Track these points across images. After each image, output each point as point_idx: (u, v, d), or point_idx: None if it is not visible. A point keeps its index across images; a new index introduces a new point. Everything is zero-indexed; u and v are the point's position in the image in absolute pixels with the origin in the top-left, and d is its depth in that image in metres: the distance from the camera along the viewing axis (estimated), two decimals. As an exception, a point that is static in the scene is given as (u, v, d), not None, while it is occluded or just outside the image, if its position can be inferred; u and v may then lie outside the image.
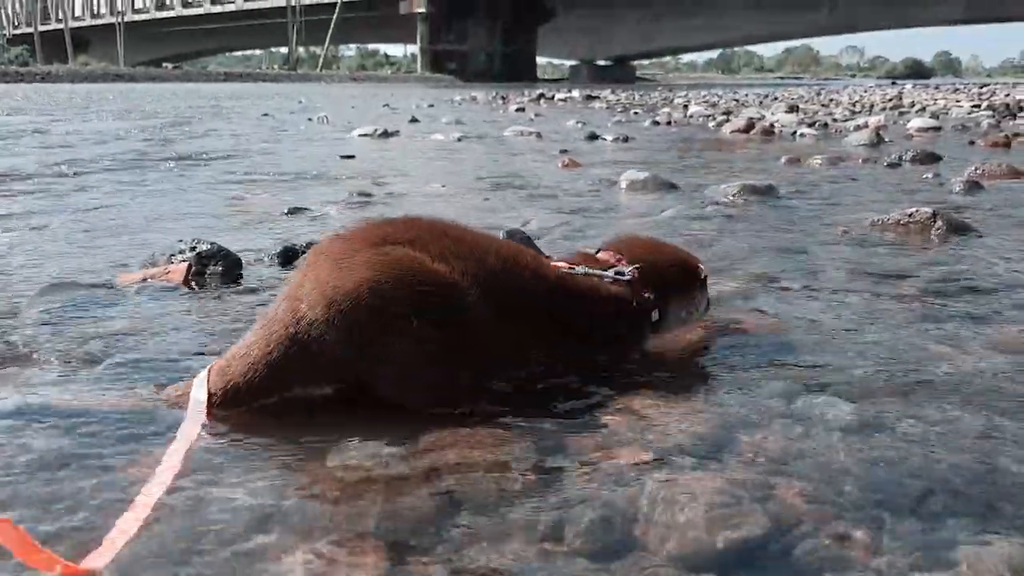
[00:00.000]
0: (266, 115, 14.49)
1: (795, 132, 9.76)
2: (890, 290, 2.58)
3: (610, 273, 1.90)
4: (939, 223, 3.36)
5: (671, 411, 1.63)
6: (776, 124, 10.68)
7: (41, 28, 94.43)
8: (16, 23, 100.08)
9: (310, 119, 12.97)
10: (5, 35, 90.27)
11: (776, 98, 21.12)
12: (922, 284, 2.64)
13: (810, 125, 10.63)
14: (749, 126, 10.15)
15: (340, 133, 10.10)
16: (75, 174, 5.65)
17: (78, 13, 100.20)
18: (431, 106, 18.63)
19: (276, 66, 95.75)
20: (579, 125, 11.55)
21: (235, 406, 1.57)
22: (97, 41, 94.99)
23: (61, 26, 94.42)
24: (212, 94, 28.05)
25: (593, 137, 9.23)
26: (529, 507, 1.28)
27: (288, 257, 2.93)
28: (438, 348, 1.57)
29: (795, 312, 2.32)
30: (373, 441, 1.47)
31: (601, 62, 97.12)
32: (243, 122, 12.48)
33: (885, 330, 2.16)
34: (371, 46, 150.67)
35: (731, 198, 4.46)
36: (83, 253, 3.15)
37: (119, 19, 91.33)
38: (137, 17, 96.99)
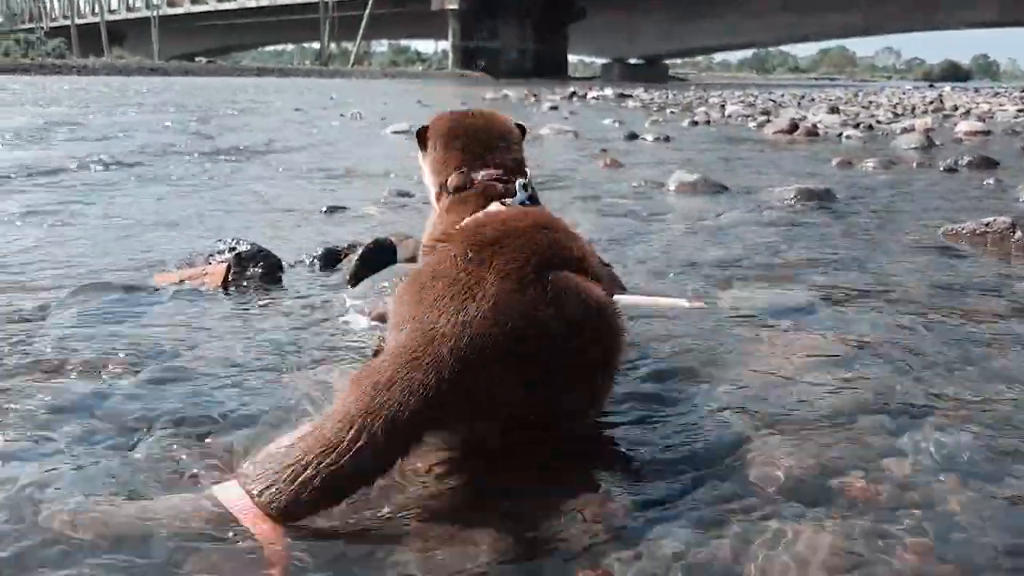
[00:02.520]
0: (299, 110, 14.42)
1: (840, 134, 9.50)
2: (975, 305, 2.39)
3: (520, 195, 1.75)
4: (1019, 234, 3.15)
5: (764, 444, 1.47)
6: (819, 125, 10.41)
7: (78, 21, 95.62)
8: (53, 16, 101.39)
9: (342, 115, 12.87)
10: (43, 28, 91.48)
11: (813, 99, 20.74)
12: (1008, 299, 2.45)
13: (855, 127, 10.35)
14: (792, 127, 9.89)
15: (374, 129, 9.98)
16: (109, 167, 5.57)
17: (114, 6, 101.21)
18: (464, 103, 18.49)
19: (308, 62, 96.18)
20: (616, 124, 11.35)
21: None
22: (133, 35, 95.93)
23: (97, 19, 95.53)
24: (245, 88, 28.12)
25: (632, 136, 9.03)
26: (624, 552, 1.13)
27: (330, 260, 2.79)
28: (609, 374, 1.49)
29: (874, 329, 2.14)
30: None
31: (632, 61, 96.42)
32: (276, 117, 12.42)
33: (976, 350, 1.98)
34: (403, 42, 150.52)
35: (788, 202, 4.26)
36: (117, 250, 3.03)
37: (154, 13, 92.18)
38: (172, 11, 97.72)
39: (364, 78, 57.43)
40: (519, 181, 1.79)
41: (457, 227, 1.60)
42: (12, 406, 1.58)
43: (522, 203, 1.73)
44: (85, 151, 6.50)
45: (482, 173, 1.81)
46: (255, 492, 1.18)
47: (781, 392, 1.72)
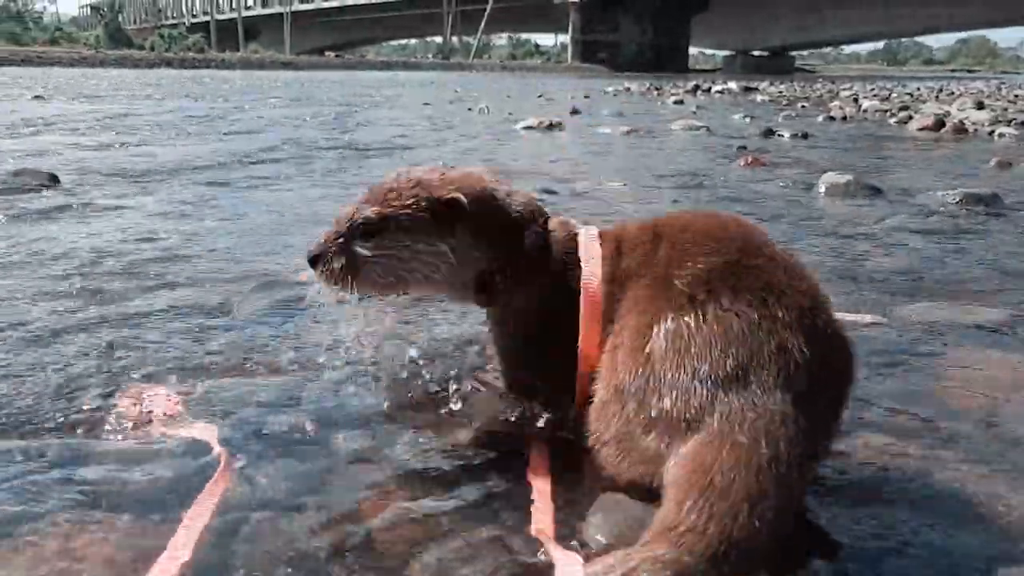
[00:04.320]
0: (427, 104, 14.68)
1: (992, 131, 8.97)
2: None
3: None
4: None
5: (983, 483, 1.39)
6: (967, 122, 9.86)
7: (217, 17, 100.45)
8: (194, 12, 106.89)
9: (470, 109, 13.02)
10: (185, 23, 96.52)
11: (952, 92, 19.68)
12: None
13: (1007, 124, 9.75)
14: (938, 124, 9.42)
15: (504, 124, 10.05)
16: (260, 162, 5.80)
17: (250, 3, 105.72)
18: (587, 97, 18.41)
19: (430, 55, 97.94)
20: (747, 119, 11.08)
21: None
22: (266, 30, 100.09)
23: (235, 15, 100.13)
24: (372, 82, 28.85)
25: (769, 133, 8.78)
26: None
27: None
28: None
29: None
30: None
31: (756, 53, 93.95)
32: (407, 112, 12.66)
33: None
34: (522, 36, 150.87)
35: (952, 207, 4.04)
36: (281, 247, 3.14)
37: (287, 9, 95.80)
38: (303, 7, 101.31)
39: (484, 71, 57.97)
40: None
41: (680, 267, 1.35)
42: (217, 400, 1.67)
43: None
44: (234, 146, 6.80)
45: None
46: None
47: (994, 422, 1.63)
